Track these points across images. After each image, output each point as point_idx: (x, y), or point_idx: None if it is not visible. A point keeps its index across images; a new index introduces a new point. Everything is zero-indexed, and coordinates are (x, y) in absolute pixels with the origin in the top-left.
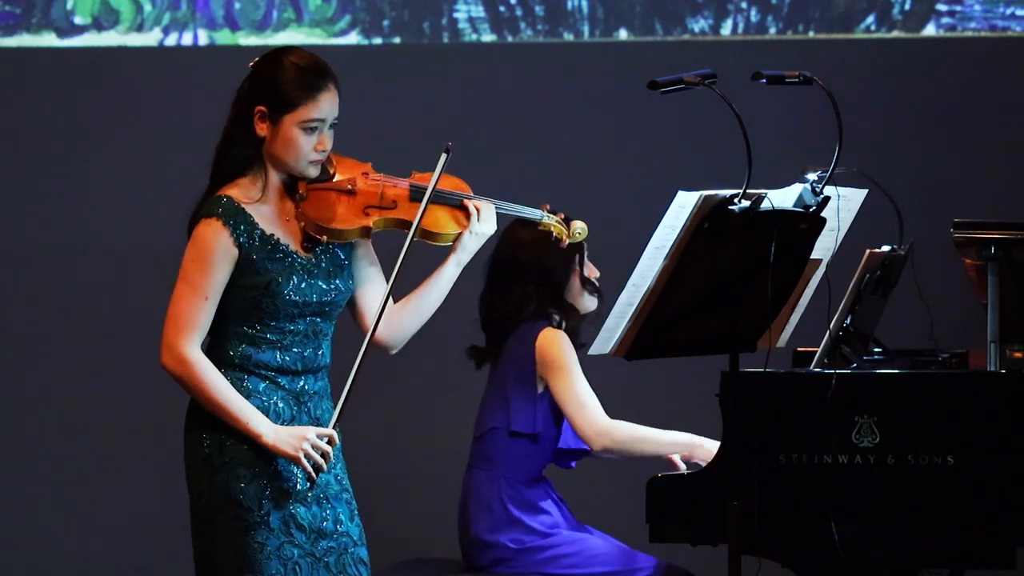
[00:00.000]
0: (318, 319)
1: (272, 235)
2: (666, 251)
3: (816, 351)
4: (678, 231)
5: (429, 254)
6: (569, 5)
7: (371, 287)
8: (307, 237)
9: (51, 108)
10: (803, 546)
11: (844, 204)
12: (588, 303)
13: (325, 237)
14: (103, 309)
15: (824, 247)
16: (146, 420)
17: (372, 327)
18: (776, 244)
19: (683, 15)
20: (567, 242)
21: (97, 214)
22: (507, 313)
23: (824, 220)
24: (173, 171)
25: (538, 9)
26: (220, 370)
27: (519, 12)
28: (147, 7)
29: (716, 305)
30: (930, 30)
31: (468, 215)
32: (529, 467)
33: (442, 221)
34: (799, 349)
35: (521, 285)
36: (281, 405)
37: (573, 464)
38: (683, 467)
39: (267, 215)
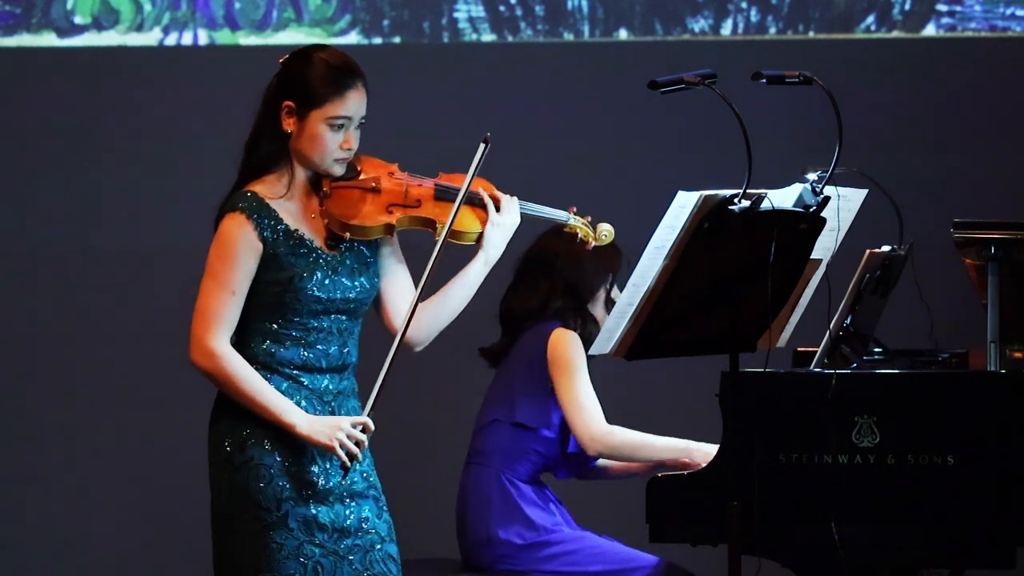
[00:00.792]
0: (343, 317)
1: (296, 230)
2: (666, 251)
3: (816, 351)
4: (678, 231)
5: (458, 254)
6: (569, 5)
7: (397, 285)
8: (331, 234)
9: (51, 108)
10: (803, 546)
11: (844, 204)
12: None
13: (348, 234)
14: (103, 309)
15: (824, 247)
16: (146, 420)
17: (403, 327)
18: (776, 244)
19: (683, 15)
20: (592, 244)
21: (97, 214)
22: (529, 308)
23: (824, 220)
24: (173, 171)
25: (538, 9)
26: (250, 364)
27: (519, 12)
28: (147, 7)
29: (716, 305)
30: (930, 30)
31: (488, 209)
32: (528, 464)
33: (464, 220)
34: (799, 349)
35: (550, 283)
36: (304, 404)
37: (563, 475)
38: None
39: (292, 211)
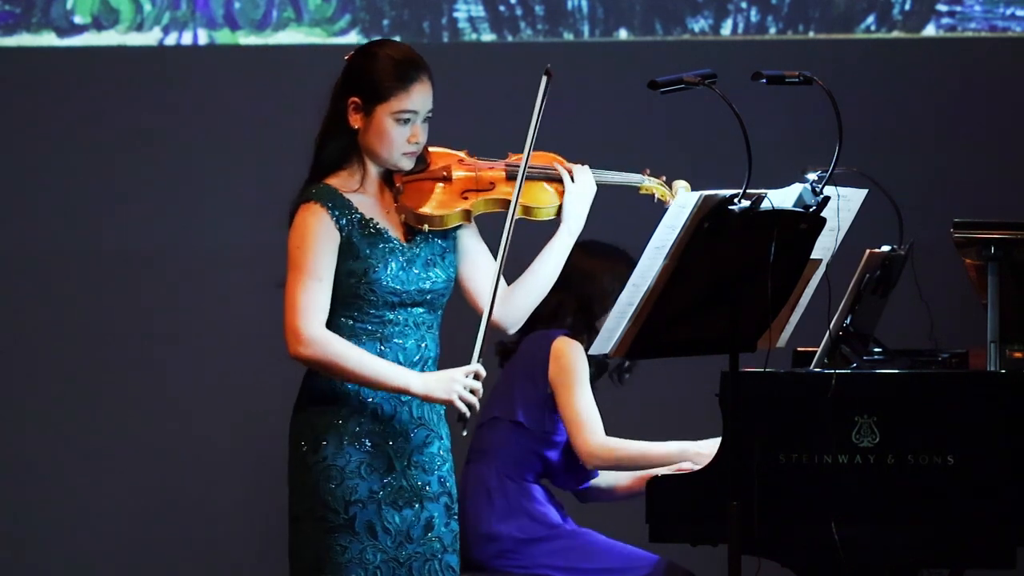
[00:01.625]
0: (419, 309)
1: (372, 219)
2: (666, 251)
3: (816, 351)
4: (678, 231)
5: (538, 232)
6: (569, 5)
7: (479, 268)
8: (409, 228)
9: (51, 108)
10: (803, 546)
11: (844, 204)
12: None
13: (426, 226)
14: (103, 309)
15: (824, 247)
16: (146, 421)
17: (487, 310)
18: (776, 244)
19: (683, 15)
20: (671, 203)
21: (97, 214)
22: (540, 315)
23: (824, 220)
24: (173, 170)
25: (538, 9)
26: None
27: (519, 12)
28: (147, 6)
29: (716, 305)
30: (930, 30)
31: (562, 182)
32: (529, 464)
33: (538, 195)
34: (799, 349)
35: (564, 295)
36: (383, 404)
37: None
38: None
39: (368, 204)
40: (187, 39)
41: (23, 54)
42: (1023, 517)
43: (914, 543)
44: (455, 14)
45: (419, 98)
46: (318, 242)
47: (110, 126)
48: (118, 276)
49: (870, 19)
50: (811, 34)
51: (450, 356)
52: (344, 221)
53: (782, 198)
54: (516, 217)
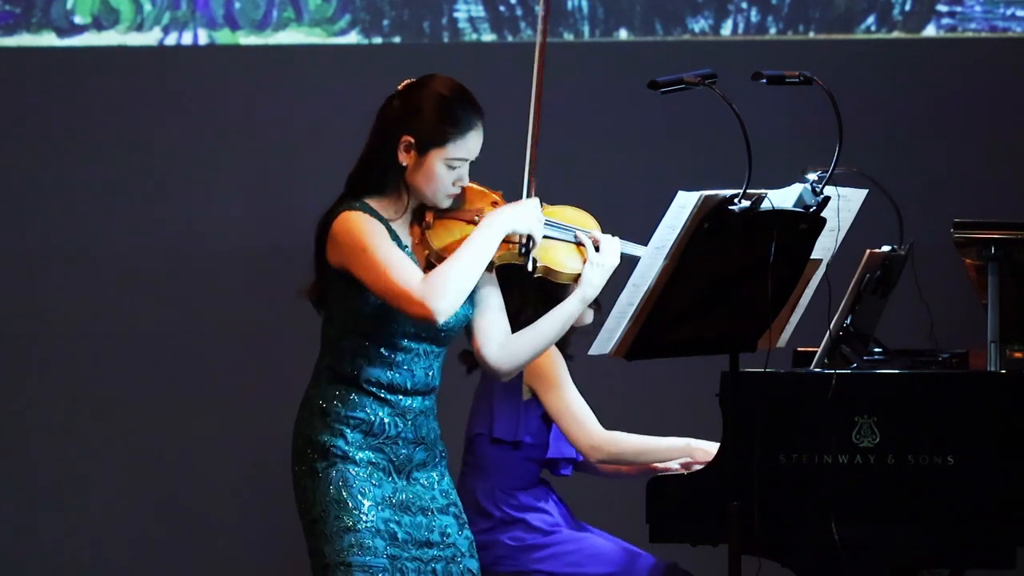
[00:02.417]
0: (431, 344)
1: (407, 247)
2: (666, 251)
3: (816, 351)
4: (678, 231)
5: None
6: (569, 5)
7: (490, 317)
8: (429, 265)
9: (51, 108)
10: (803, 546)
11: (844, 204)
12: (585, 317)
13: None
14: (103, 309)
15: (824, 247)
16: (147, 421)
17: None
18: (776, 244)
19: (683, 15)
20: None
21: (96, 214)
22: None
23: (824, 220)
24: (173, 170)
25: (538, 9)
26: (334, 383)
27: (519, 12)
28: (147, 6)
29: (716, 305)
30: (930, 31)
31: (588, 249)
32: (520, 473)
33: (562, 258)
34: (799, 349)
35: (521, 290)
36: (387, 420)
37: (568, 471)
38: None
39: (403, 234)
40: (187, 39)
41: (23, 54)
42: (1023, 517)
43: (914, 543)
44: (455, 14)
45: (474, 146)
46: (379, 232)
47: (110, 126)
48: (118, 275)
49: (870, 19)
50: (811, 34)
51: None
52: (392, 237)
53: (782, 198)
54: (536, 275)
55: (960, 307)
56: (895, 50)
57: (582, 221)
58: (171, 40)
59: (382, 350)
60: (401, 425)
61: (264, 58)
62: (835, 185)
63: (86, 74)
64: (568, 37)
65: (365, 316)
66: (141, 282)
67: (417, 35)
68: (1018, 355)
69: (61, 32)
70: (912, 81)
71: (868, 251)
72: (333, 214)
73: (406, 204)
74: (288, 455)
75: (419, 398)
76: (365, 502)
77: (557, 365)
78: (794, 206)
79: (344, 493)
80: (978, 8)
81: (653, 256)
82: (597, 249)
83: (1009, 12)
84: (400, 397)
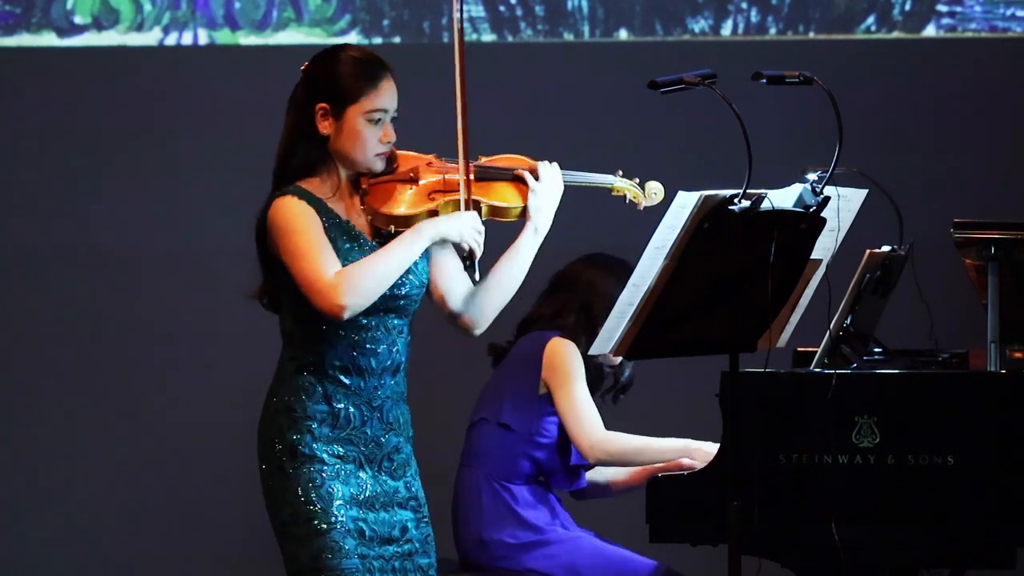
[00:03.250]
0: (391, 315)
1: (348, 221)
2: (666, 251)
3: (816, 351)
4: (678, 231)
5: (508, 231)
6: (569, 5)
7: (446, 269)
8: (376, 231)
9: (51, 108)
10: (803, 546)
11: (844, 204)
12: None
13: (393, 227)
14: (104, 309)
15: (824, 247)
16: (146, 422)
17: (462, 163)
18: (776, 244)
19: (683, 15)
20: (643, 205)
21: (97, 214)
22: (541, 316)
23: (824, 220)
24: (173, 170)
25: (538, 9)
26: (297, 375)
27: (519, 12)
28: (147, 7)
29: (716, 305)
30: (930, 31)
31: (527, 181)
32: (519, 466)
33: (506, 195)
34: (799, 349)
35: (567, 299)
36: (352, 411)
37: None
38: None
39: (342, 210)
40: (187, 39)
41: (23, 54)
42: (1023, 517)
43: (914, 543)
44: (455, 14)
45: (388, 96)
46: (307, 220)
47: (110, 126)
48: (118, 275)
49: (870, 19)
50: (811, 34)
51: (426, 360)
52: (324, 217)
53: (782, 198)
54: (483, 219)
55: (960, 307)
56: (895, 50)
57: (518, 161)
58: (171, 40)
59: (340, 331)
60: (368, 413)
61: (264, 58)
62: (835, 185)
63: (86, 74)
64: (568, 37)
65: None
66: (141, 282)
67: (417, 35)
68: (1018, 355)
69: (61, 32)
70: (912, 81)
71: (868, 251)
72: (268, 204)
73: (340, 177)
74: None
75: (387, 378)
76: (335, 502)
77: (575, 363)
78: (794, 206)
79: (313, 495)
80: (978, 8)
81: (653, 256)
82: (537, 178)
83: (1009, 12)
84: (368, 380)
